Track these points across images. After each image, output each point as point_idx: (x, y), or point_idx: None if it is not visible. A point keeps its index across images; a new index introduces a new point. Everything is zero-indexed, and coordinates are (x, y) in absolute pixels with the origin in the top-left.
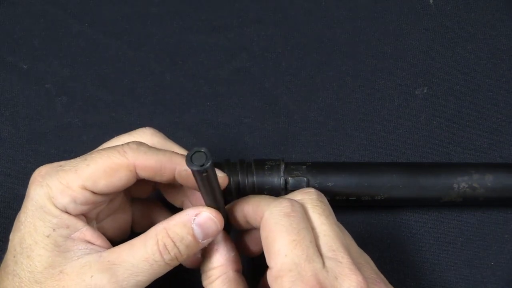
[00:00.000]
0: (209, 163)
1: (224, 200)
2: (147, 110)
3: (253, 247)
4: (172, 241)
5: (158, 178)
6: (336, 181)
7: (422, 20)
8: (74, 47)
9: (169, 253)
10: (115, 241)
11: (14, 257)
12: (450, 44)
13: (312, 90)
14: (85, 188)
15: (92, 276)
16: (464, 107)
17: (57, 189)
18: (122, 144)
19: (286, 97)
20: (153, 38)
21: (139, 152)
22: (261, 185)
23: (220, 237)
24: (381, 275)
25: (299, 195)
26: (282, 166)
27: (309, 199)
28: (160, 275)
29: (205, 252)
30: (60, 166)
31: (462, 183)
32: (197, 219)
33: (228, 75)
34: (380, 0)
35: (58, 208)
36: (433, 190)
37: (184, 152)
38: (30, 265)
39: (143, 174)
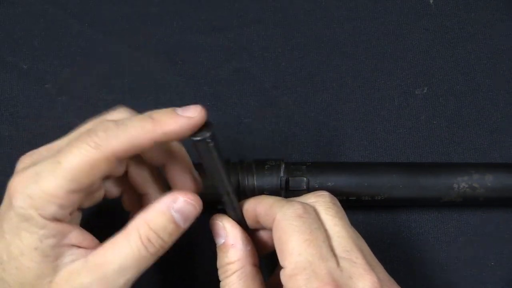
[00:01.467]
0: (209, 134)
1: (232, 188)
2: (147, 110)
3: (263, 246)
4: (155, 233)
5: (138, 151)
6: (336, 181)
7: (422, 20)
8: (74, 47)
9: (154, 246)
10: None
11: (1, 264)
12: (450, 44)
13: (312, 90)
14: (69, 191)
15: (81, 282)
16: (464, 107)
17: (42, 200)
18: (89, 134)
19: (286, 97)
20: (153, 38)
21: (109, 137)
22: (261, 185)
23: (236, 232)
24: (392, 279)
25: (312, 198)
26: (282, 166)
27: (323, 201)
28: (148, 266)
29: (222, 247)
30: (36, 173)
31: (462, 183)
32: (175, 206)
33: (228, 75)
34: (380, 0)
35: (45, 218)
36: (433, 190)
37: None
38: (20, 276)
39: (124, 155)
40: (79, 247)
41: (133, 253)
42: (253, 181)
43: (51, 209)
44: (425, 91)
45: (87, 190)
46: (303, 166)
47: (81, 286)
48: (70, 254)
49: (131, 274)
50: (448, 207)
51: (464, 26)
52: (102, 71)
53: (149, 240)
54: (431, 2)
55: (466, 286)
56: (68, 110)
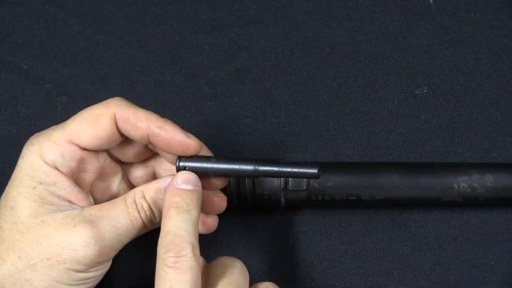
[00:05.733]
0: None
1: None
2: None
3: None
4: (147, 203)
5: (133, 132)
6: (336, 181)
7: (422, 20)
8: (74, 47)
9: (145, 213)
10: None
11: None
12: (450, 44)
13: (312, 90)
14: (72, 142)
15: (75, 225)
16: (464, 107)
17: (46, 145)
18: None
19: (286, 97)
20: (153, 38)
21: (121, 104)
22: (261, 185)
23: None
24: None
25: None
26: None
27: None
28: (138, 234)
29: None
30: (52, 127)
31: (462, 183)
32: None
33: (228, 75)
34: (380, 0)
35: (47, 164)
36: (433, 190)
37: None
38: (13, 216)
39: (122, 125)
40: (76, 205)
41: (128, 211)
42: (253, 181)
43: (53, 156)
44: (425, 91)
45: (89, 150)
46: None
47: (74, 229)
48: (66, 205)
49: (122, 231)
50: (448, 207)
51: (464, 26)
52: (102, 71)
53: (142, 207)
54: (431, 2)
55: (466, 286)
56: (68, 110)
